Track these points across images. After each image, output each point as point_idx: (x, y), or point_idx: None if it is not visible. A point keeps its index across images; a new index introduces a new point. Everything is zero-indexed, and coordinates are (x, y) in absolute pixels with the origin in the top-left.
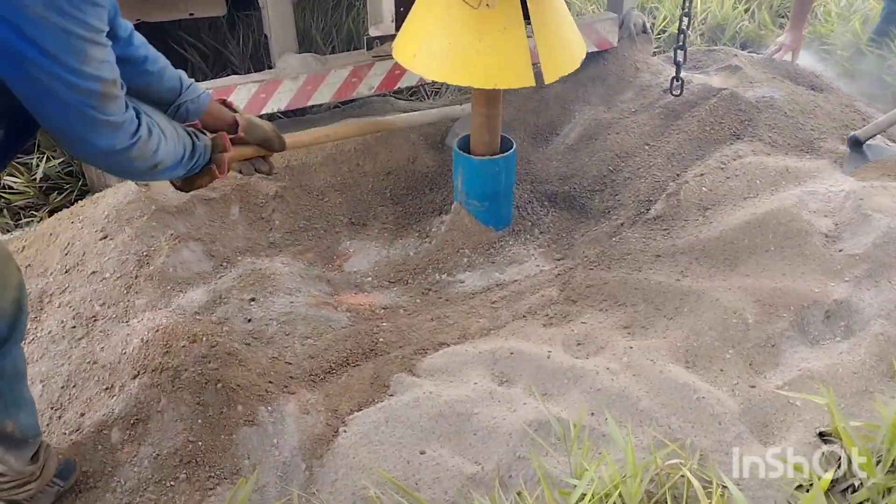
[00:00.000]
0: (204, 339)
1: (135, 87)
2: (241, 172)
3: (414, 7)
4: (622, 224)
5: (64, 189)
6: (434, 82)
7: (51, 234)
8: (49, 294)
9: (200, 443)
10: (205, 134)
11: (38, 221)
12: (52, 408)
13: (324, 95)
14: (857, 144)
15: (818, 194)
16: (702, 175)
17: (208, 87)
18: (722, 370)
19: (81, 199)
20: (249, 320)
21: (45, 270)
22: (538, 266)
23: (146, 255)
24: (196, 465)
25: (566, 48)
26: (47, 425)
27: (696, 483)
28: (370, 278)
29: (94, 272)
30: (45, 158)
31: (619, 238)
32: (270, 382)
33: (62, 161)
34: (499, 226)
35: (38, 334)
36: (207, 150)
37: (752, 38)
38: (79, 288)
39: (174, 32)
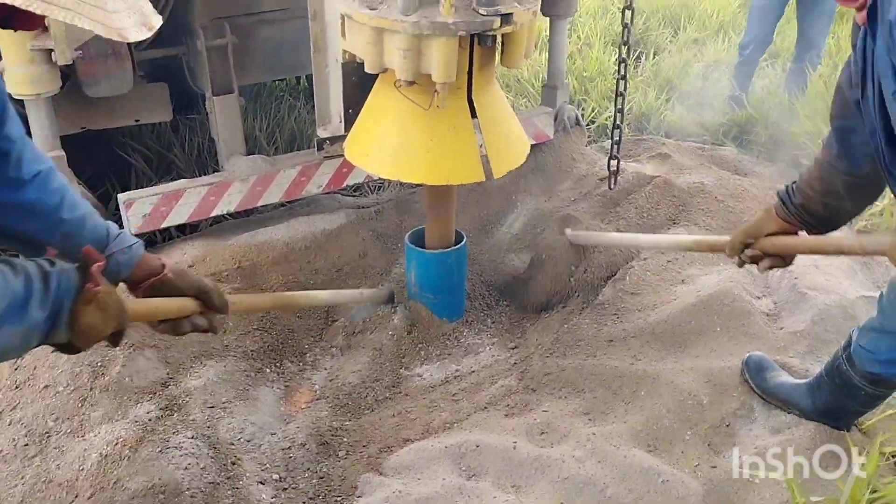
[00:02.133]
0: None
1: (45, 237)
2: (175, 333)
3: (364, 109)
4: (572, 311)
5: None
6: (378, 178)
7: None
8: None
9: None
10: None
11: None
12: None
13: (273, 195)
14: None
15: (755, 274)
16: (645, 260)
17: (157, 192)
18: (682, 452)
19: None
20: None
21: None
22: (493, 356)
23: (100, 366)
24: None
25: (512, 144)
26: None
27: None
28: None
29: (46, 386)
30: None
31: (570, 325)
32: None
33: None
34: (452, 317)
35: None
36: (70, 278)
37: (674, 127)
38: (30, 403)
39: (118, 139)
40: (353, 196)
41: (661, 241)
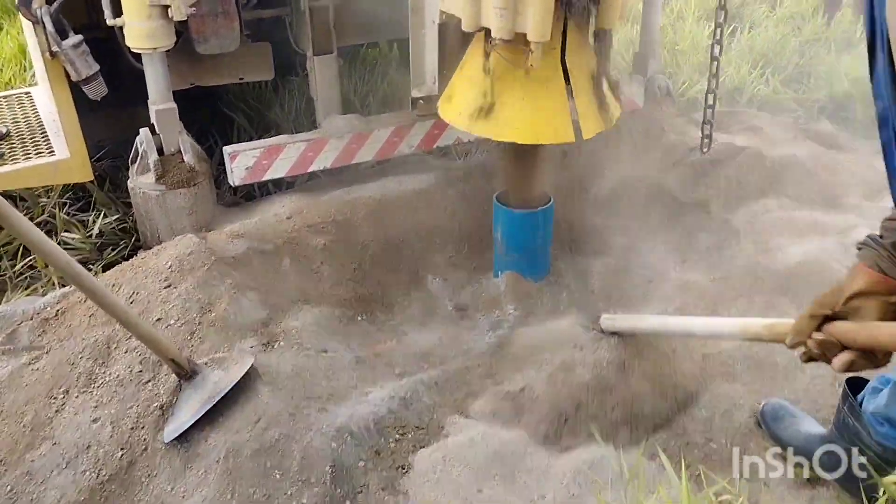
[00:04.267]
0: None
1: None
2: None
3: (459, 68)
4: None
5: (118, 245)
6: (467, 142)
7: (113, 285)
8: (116, 340)
9: None
10: None
11: (95, 275)
12: (121, 448)
13: (367, 154)
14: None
15: (846, 246)
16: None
17: (260, 146)
18: None
19: (134, 255)
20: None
21: (109, 319)
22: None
23: (208, 304)
24: None
25: (603, 107)
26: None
27: None
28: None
29: (159, 318)
30: (101, 215)
31: None
32: None
33: (117, 218)
34: (537, 276)
35: (107, 379)
36: None
37: (768, 102)
38: None
39: (223, 96)
40: (439, 159)
41: (719, 327)
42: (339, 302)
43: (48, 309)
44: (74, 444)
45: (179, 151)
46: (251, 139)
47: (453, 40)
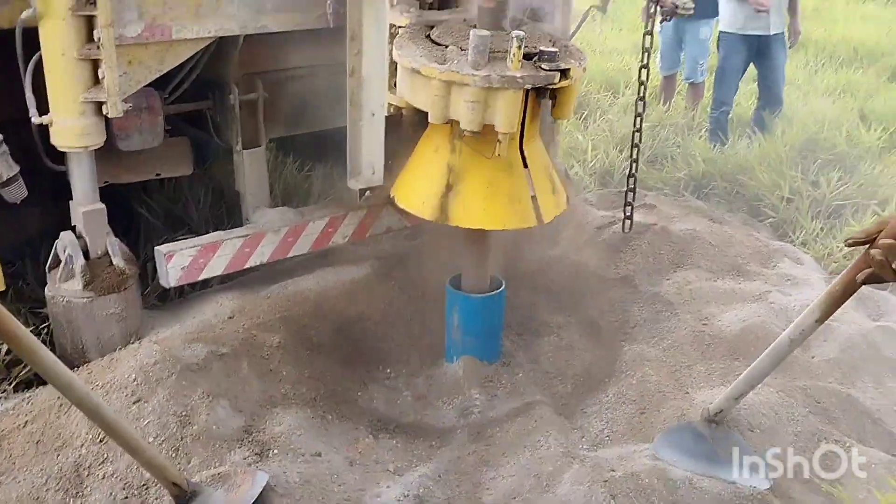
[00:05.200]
0: None
1: None
2: None
3: (415, 158)
4: None
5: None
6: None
7: (60, 405)
8: (86, 467)
9: None
10: None
11: (6, 397)
12: None
13: (303, 246)
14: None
15: (775, 309)
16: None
17: (196, 244)
18: None
19: None
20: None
21: (66, 443)
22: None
23: (185, 416)
24: None
25: (557, 191)
26: None
27: None
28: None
29: None
30: None
31: None
32: None
33: None
34: (492, 359)
35: None
36: None
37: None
38: (121, 457)
39: (139, 193)
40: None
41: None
42: (307, 402)
43: None
44: None
45: (107, 254)
46: (161, 237)
47: (403, 132)
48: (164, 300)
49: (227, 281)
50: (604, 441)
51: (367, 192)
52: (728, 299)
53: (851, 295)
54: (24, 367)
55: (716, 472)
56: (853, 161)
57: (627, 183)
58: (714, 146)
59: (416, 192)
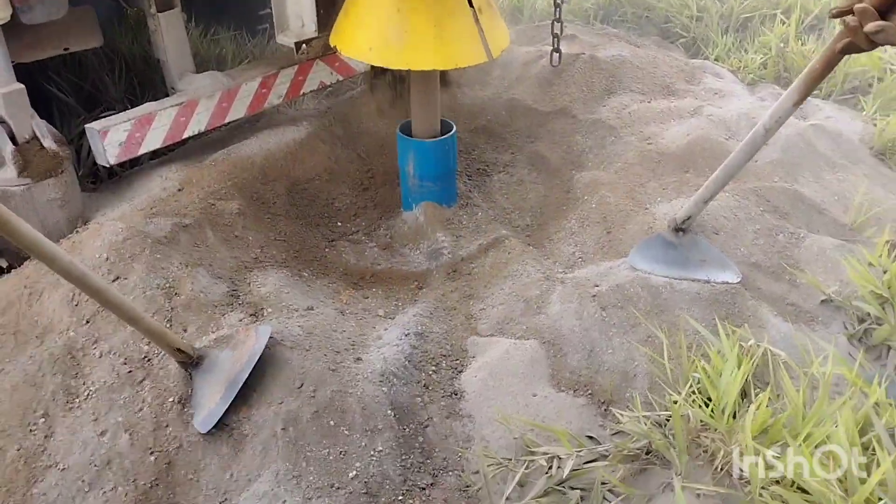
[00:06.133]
0: None
1: None
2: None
3: (352, 5)
4: None
5: None
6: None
7: (30, 294)
8: (79, 348)
9: None
10: None
11: None
12: (150, 453)
13: (239, 110)
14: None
15: (714, 121)
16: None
17: (129, 118)
18: None
19: None
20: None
21: (48, 329)
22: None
23: (170, 288)
24: None
25: (500, 26)
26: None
27: None
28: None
29: None
30: None
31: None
32: None
33: None
34: (450, 202)
35: (92, 389)
36: None
37: (548, 15)
38: (113, 334)
39: (46, 73)
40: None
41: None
42: (280, 263)
43: None
44: (88, 462)
45: (35, 137)
46: (79, 117)
47: None
48: (96, 183)
49: (157, 157)
50: (577, 263)
51: (304, 45)
52: (665, 117)
53: (833, 68)
54: None
55: (690, 274)
56: None
57: (555, 14)
58: None
59: (361, 39)
